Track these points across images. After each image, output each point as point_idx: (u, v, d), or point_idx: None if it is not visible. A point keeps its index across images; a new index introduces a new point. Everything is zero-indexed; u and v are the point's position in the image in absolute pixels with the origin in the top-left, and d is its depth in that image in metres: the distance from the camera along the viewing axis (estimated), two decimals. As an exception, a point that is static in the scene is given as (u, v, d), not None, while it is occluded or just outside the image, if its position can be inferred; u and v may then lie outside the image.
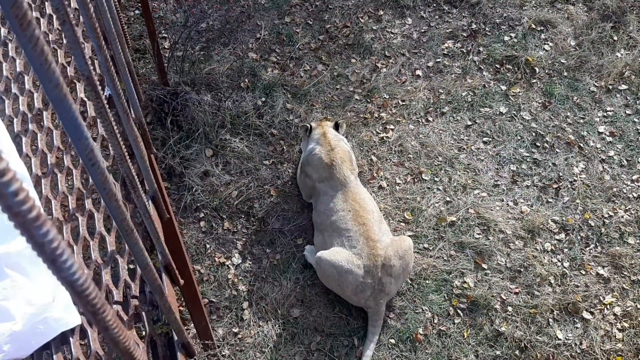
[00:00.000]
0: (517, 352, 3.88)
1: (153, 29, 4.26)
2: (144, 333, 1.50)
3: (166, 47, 5.11)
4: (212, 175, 4.44)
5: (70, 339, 1.48)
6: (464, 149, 4.85)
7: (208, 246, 4.15)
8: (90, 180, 2.03)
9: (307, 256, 4.10)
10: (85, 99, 2.34)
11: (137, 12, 5.34)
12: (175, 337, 1.33)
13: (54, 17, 2.67)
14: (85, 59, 0.91)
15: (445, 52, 5.45)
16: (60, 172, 1.98)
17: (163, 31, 5.26)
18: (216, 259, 4.10)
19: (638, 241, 4.47)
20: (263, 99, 4.87)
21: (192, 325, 3.42)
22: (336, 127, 4.45)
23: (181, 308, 3.74)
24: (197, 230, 4.22)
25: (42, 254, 0.49)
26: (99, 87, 0.96)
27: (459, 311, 4.02)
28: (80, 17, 2.53)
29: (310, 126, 4.40)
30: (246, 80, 4.97)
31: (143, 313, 1.25)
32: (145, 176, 1.67)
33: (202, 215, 4.28)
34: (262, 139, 4.67)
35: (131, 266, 1.66)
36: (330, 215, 3.95)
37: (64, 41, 2.70)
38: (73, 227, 1.75)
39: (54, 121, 2.32)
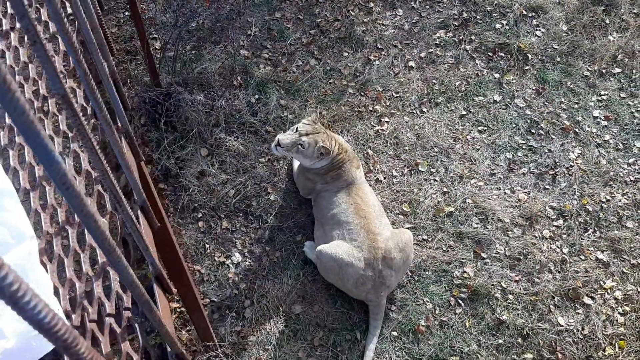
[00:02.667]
0: (519, 339, 3.89)
1: (143, 30, 4.24)
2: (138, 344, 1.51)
3: (157, 47, 5.09)
4: (209, 174, 4.44)
5: (65, 355, 1.48)
6: (460, 138, 4.84)
7: (207, 246, 4.15)
8: (85, 190, 2.03)
9: (307, 252, 4.11)
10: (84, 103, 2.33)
11: (126, 13, 5.32)
12: (169, 349, 1.33)
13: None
14: (59, 78, 0.90)
15: (437, 42, 5.43)
16: (49, 185, 1.97)
17: (153, 32, 5.23)
18: (216, 258, 4.11)
19: (636, 224, 4.47)
20: (256, 96, 4.86)
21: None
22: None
23: (182, 309, 3.75)
24: (195, 230, 4.22)
25: (2, 297, 0.49)
26: (75, 105, 0.95)
27: (460, 301, 4.03)
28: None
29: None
30: (239, 78, 4.95)
31: (136, 325, 1.25)
32: (133, 186, 1.67)
33: (200, 215, 4.28)
34: (257, 137, 4.66)
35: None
36: (331, 208, 3.95)
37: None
38: (63, 239, 1.75)
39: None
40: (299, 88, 4.96)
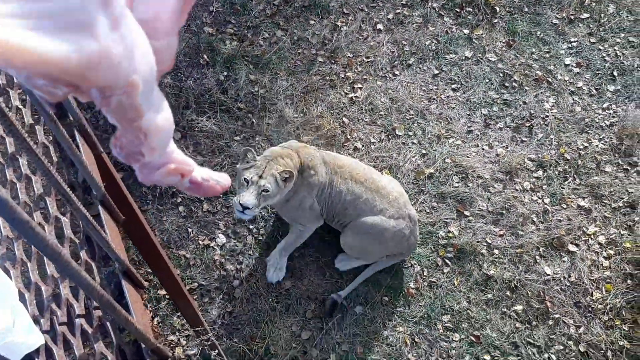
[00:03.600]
0: (507, 292, 3.94)
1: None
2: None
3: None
4: (184, 158, 4.37)
5: (37, 359, 1.44)
6: (434, 99, 4.80)
7: (190, 230, 4.11)
8: (43, 189, 1.95)
9: (342, 265, 3.99)
10: (20, 106, 2.23)
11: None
12: (143, 345, 1.30)
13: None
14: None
15: (404, 2, 5.33)
16: (20, 182, 1.90)
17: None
18: (200, 242, 4.07)
19: (615, 168, 4.50)
20: (225, 74, 4.76)
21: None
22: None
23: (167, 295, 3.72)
24: (176, 215, 4.17)
25: None
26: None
27: (447, 261, 4.05)
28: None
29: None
30: (205, 56, 4.83)
31: (107, 323, 1.21)
32: (89, 181, 1.59)
33: (179, 200, 4.22)
34: (229, 115, 4.58)
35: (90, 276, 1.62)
36: (337, 203, 3.80)
37: None
38: (25, 242, 1.69)
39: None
40: (267, 61, 4.86)
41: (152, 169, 1.09)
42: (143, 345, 1.30)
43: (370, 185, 3.75)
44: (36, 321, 1.48)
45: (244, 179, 3.39)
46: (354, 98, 4.75)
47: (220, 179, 1.27)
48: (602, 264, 4.09)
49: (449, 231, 4.16)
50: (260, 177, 3.38)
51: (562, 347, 3.75)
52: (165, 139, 1.08)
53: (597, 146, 4.60)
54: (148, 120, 0.96)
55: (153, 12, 0.98)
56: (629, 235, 4.19)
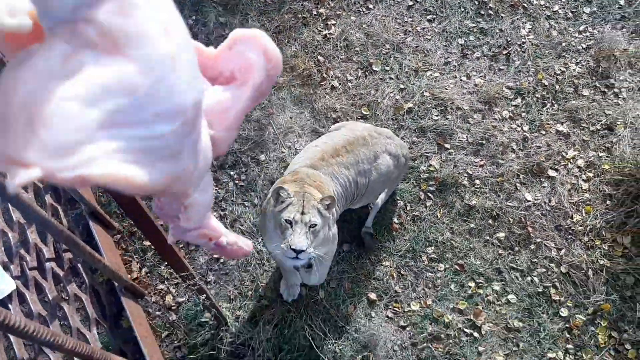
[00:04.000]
0: (490, 221, 3.99)
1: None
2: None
3: None
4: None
5: (9, 305, 1.44)
6: (410, 31, 4.70)
7: (170, 180, 4.07)
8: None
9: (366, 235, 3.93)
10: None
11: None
12: (116, 283, 1.29)
13: None
14: None
15: None
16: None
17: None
18: (181, 191, 4.05)
19: (592, 91, 4.49)
20: (194, 17, 4.61)
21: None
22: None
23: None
24: (155, 166, 4.12)
25: None
26: None
27: (429, 194, 4.08)
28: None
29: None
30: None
31: (79, 265, 1.19)
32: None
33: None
34: (202, 61, 4.46)
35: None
36: (359, 187, 3.57)
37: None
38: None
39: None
40: (237, 2, 4.71)
41: (185, 231, 1.19)
42: (116, 284, 1.29)
43: (352, 149, 3.46)
44: (6, 268, 1.47)
45: (285, 220, 2.95)
46: (328, 35, 4.65)
47: (244, 245, 1.38)
48: (581, 187, 4.14)
49: (430, 165, 4.16)
50: (303, 213, 2.97)
51: (544, 270, 3.83)
52: (203, 213, 1.17)
53: (574, 70, 4.57)
54: (193, 199, 1.06)
55: (224, 107, 1.05)
56: (607, 157, 4.23)
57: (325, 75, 4.47)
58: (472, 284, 3.78)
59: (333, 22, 4.70)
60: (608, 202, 4.07)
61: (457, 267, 3.84)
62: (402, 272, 3.84)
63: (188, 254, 3.82)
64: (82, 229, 1.33)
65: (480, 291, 3.76)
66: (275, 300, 3.67)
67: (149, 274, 3.73)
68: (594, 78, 4.55)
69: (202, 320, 3.56)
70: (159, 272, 3.73)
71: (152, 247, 3.74)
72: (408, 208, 4.03)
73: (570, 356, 3.57)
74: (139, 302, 1.37)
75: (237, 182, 4.08)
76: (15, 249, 1.47)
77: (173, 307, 3.63)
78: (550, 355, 3.56)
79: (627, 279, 3.79)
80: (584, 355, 3.56)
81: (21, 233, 1.53)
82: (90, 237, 1.37)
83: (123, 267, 1.43)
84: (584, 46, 4.68)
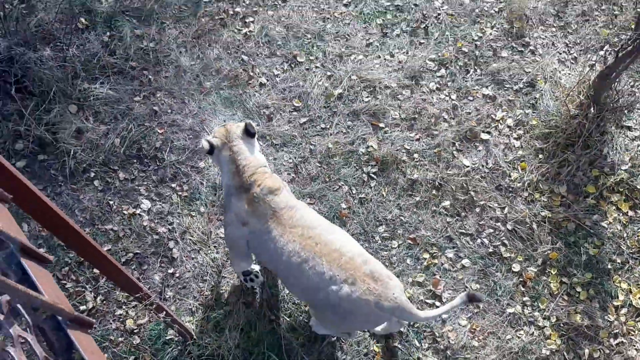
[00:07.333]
0: (434, 192, 4.09)
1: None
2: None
3: (-21, 11, 4.50)
4: (86, 130, 4.15)
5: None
6: (328, 18, 4.74)
7: (112, 202, 3.96)
8: None
9: (316, 329, 3.50)
10: None
11: None
12: (59, 317, 1.25)
13: None
14: None
15: None
16: None
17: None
18: (125, 212, 3.95)
19: (510, 52, 4.66)
20: (108, 34, 4.48)
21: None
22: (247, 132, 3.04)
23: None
24: (94, 191, 4.00)
25: None
26: None
27: (372, 175, 4.14)
28: None
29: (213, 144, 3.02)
30: (82, 19, 4.51)
31: (18, 305, 1.14)
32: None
33: (92, 174, 4.04)
34: (123, 76, 4.35)
35: None
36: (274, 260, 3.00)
37: None
38: None
39: None
40: (150, 12, 4.60)
41: None
42: (60, 318, 1.26)
43: (321, 249, 2.87)
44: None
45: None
46: (248, 33, 4.62)
47: None
48: (514, 146, 4.31)
49: (369, 146, 4.23)
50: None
51: (492, 230, 3.98)
52: None
53: (490, 34, 4.73)
54: None
55: None
56: (533, 112, 4.41)
57: (252, 74, 4.44)
58: (427, 255, 3.88)
59: (251, 19, 4.68)
60: (540, 155, 4.25)
61: (409, 241, 3.93)
62: (357, 256, 3.89)
63: (142, 274, 3.75)
64: (16, 267, 1.26)
65: (435, 261, 3.87)
66: (237, 304, 3.65)
67: (104, 301, 3.64)
68: (510, 39, 4.72)
69: (167, 338, 3.50)
70: (115, 298, 3.64)
71: (102, 274, 3.65)
72: (354, 192, 4.08)
73: (528, 307, 3.73)
74: (89, 332, 1.33)
75: (180, 193, 4.02)
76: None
77: (135, 330, 3.56)
78: (509, 310, 3.71)
79: (568, 226, 3.99)
80: (540, 304, 3.73)
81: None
82: (25, 274, 1.30)
83: (66, 300, 1.39)
84: (496, 9, 4.84)
